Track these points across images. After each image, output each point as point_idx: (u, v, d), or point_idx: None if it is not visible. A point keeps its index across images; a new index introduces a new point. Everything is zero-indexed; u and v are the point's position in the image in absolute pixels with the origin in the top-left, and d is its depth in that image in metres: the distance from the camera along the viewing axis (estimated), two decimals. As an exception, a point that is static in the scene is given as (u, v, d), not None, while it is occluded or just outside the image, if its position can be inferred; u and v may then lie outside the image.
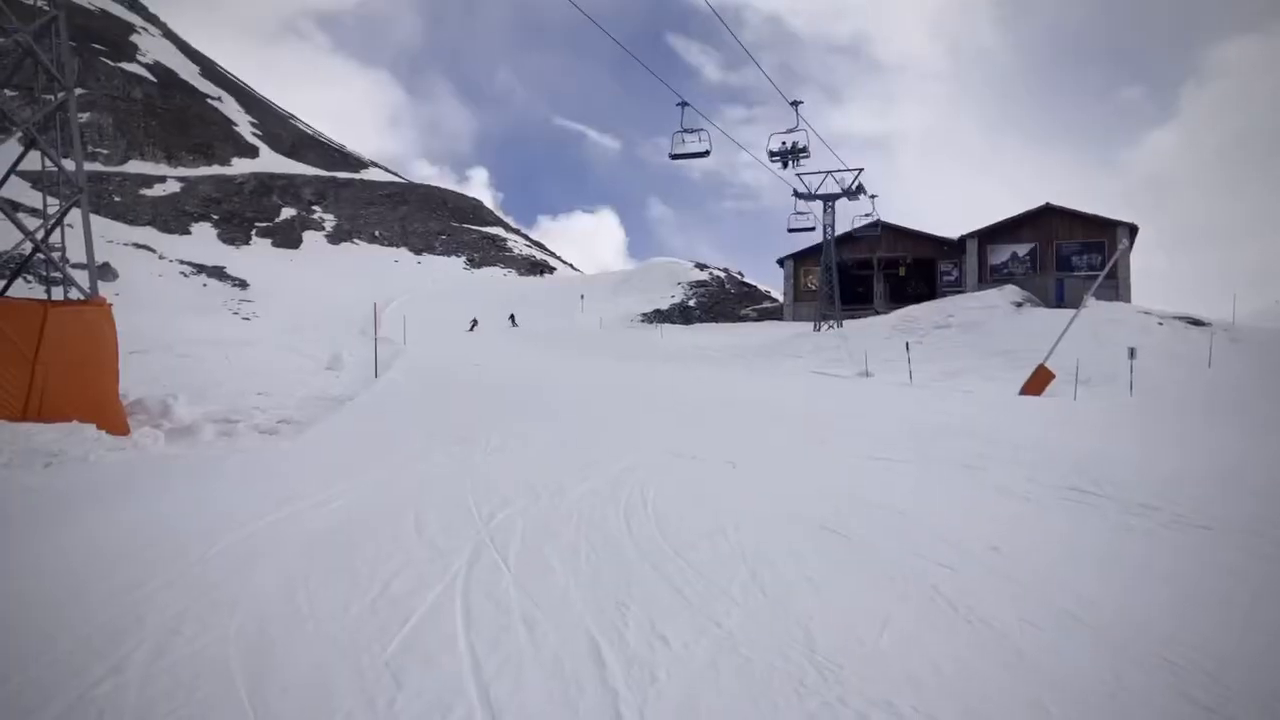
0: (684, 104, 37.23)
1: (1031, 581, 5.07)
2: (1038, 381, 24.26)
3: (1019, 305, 36.59)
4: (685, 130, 38.10)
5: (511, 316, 46.37)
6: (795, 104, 38.64)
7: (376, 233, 77.99)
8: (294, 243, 72.21)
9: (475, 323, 44.03)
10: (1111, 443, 12.38)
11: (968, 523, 6.66)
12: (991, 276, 44.67)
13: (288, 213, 77.11)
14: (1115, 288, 40.36)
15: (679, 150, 39.17)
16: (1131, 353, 24.75)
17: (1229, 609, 4.85)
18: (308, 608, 4.27)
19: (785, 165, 39.54)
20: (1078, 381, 23.77)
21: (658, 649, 3.84)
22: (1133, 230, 43.40)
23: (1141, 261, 55.87)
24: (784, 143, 39.18)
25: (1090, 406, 20.40)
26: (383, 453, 8.90)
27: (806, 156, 38.72)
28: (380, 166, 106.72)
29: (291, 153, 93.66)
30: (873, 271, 49.74)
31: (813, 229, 43.34)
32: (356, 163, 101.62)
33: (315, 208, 79.74)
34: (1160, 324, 32.81)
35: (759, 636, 4.05)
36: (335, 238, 75.50)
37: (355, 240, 75.76)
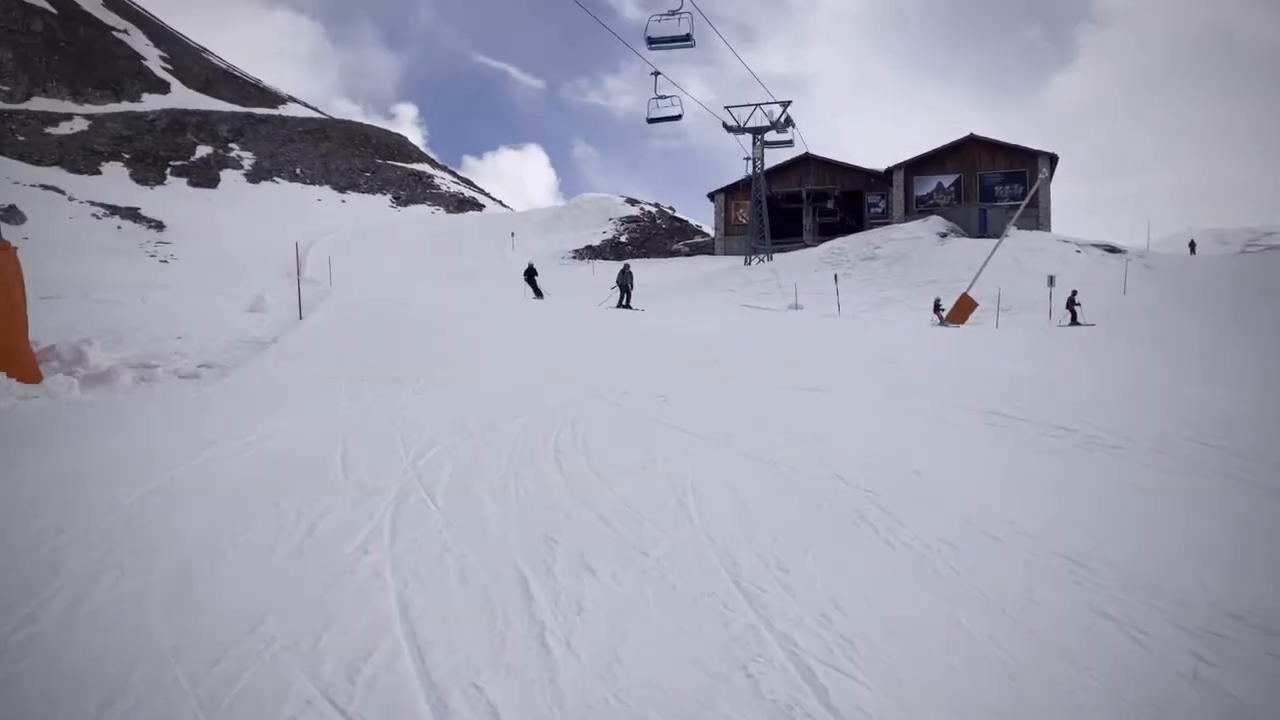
0: (657, 74, 37.59)
1: (951, 503, 5.23)
2: (961, 310, 24.87)
3: (943, 236, 37.24)
4: (659, 96, 38.79)
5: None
6: None
7: (297, 170, 75.68)
8: (211, 182, 69.75)
9: (533, 281, 29.61)
10: (1031, 368, 12.77)
11: (892, 448, 6.82)
12: (917, 208, 45.30)
13: (203, 151, 74.28)
14: (1036, 217, 41.27)
15: (655, 115, 39.88)
16: (1051, 281, 25.51)
17: (1137, 524, 5.07)
18: (231, 551, 4.20)
19: (653, 48, 36.80)
20: (999, 309, 24.37)
21: (585, 581, 3.88)
22: (1053, 160, 44.27)
23: (1060, 191, 57.14)
24: (661, 16, 36.32)
25: (1011, 333, 20.97)
26: (308, 394, 8.75)
27: (690, 45, 37.06)
28: (299, 102, 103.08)
29: (205, 88, 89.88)
30: (802, 204, 49.99)
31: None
32: (274, 98, 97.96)
33: (232, 145, 76.91)
34: (1078, 252, 33.78)
35: (686, 565, 4.11)
36: (254, 176, 73.08)
37: (275, 179, 73.44)
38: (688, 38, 36.03)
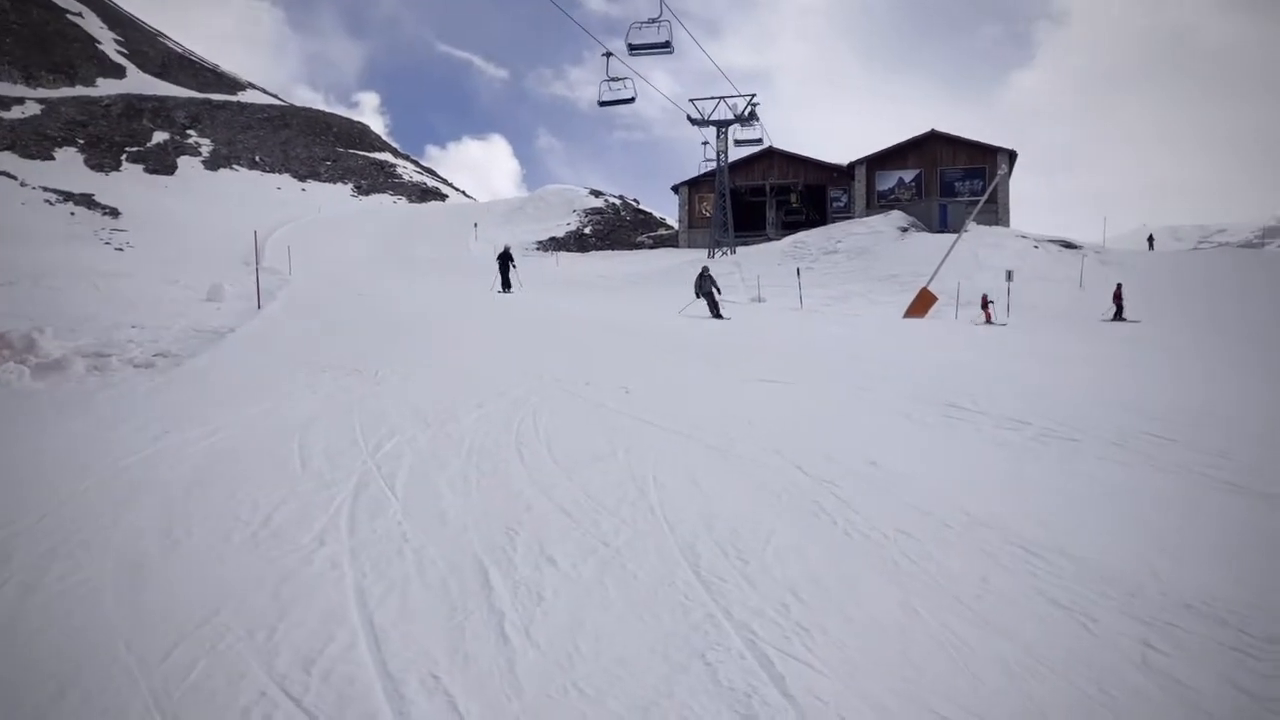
0: (608, 54, 37.21)
1: (908, 493, 5.29)
2: (921, 304, 25.09)
3: (904, 230, 37.57)
4: (611, 79, 38.23)
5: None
6: None
7: (257, 158, 74.51)
8: (168, 168, 68.42)
9: (506, 269, 25.97)
10: (989, 362, 12.94)
11: (851, 440, 6.88)
12: (879, 202, 45.63)
13: (160, 137, 72.83)
14: (995, 212, 41.79)
15: (607, 98, 39.25)
16: (1009, 275, 25.79)
17: (1091, 514, 5.16)
18: (185, 542, 4.15)
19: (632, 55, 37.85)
20: (959, 304, 24.64)
21: (545, 571, 3.88)
22: (1012, 156, 44.85)
23: (1019, 187, 57.92)
24: (641, 24, 37.25)
25: (970, 327, 21.23)
26: (266, 385, 8.63)
27: (669, 52, 37.80)
28: (259, 89, 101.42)
29: (161, 73, 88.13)
30: (765, 198, 50.16)
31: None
32: (233, 84, 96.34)
33: (190, 131, 75.49)
34: (1036, 247, 34.25)
35: (647, 554, 4.12)
36: (212, 163, 71.80)
37: (234, 166, 72.24)
38: (667, 45, 36.98)
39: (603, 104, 39.72)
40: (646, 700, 2.84)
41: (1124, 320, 24.40)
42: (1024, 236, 36.46)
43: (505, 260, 26.31)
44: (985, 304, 24.37)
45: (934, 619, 3.51)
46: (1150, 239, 48.12)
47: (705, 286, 20.67)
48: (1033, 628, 3.47)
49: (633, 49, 37.41)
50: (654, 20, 36.48)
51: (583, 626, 3.35)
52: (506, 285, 25.77)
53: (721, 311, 20.28)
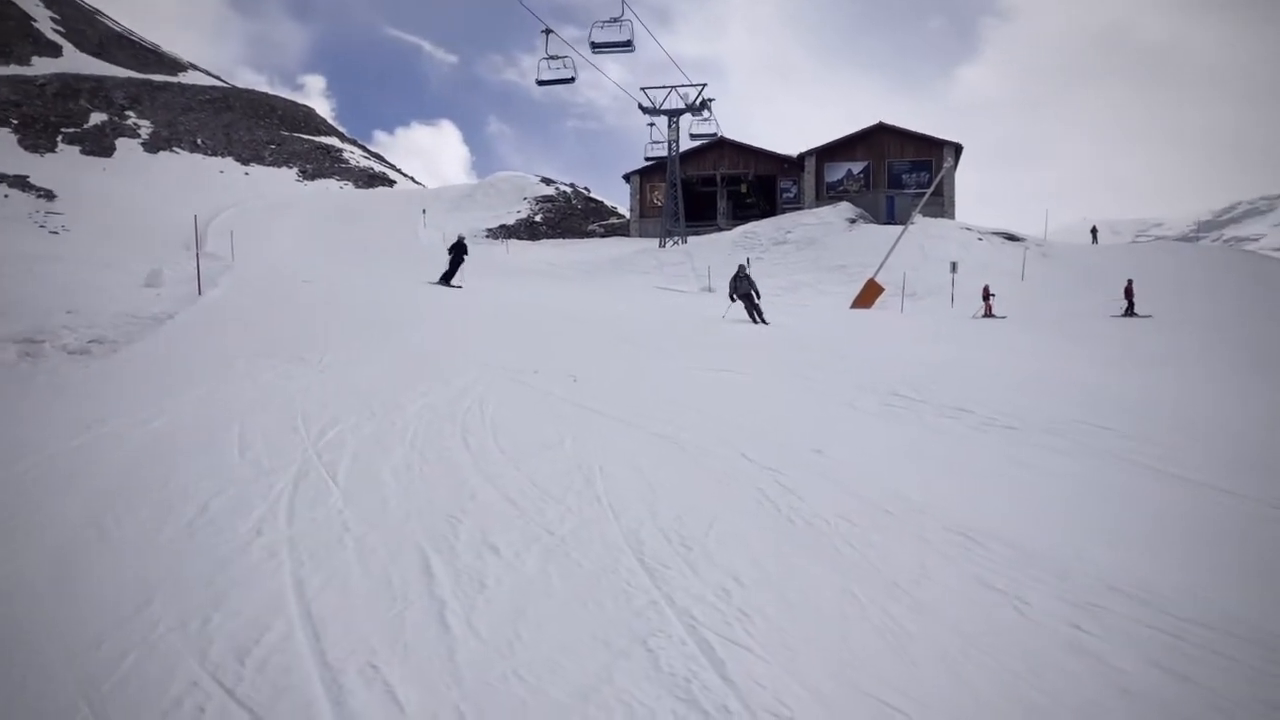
0: (548, 31, 36.71)
1: (850, 480, 5.36)
2: (868, 295, 25.38)
3: (852, 222, 37.97)
4: (550, 57, 37.64)
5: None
6: None
7: (199, 141, 72.75)
8: (106, 150, 66.55)
9: (458, 260, 22.39)
10: (933, 351, 13.13)
11: (795, 428, 6.96)
12: (828, 194, 45.91)
13: (97, 117, 70.77)
14: (941, 205, 42.31)
15: (546, 76, 38.60)
16: (953, 267, 26.16)
17: (1026, 500, 5.28)
18: (116, 532, 4.06)
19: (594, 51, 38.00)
20: (904, 294, 24.94)
21: (488, 559, 3.86)
22: (958, 149, 45.38)
23: (964, 180, 58.64)
24: (603, 23, 37.65)
25: (916, 318, 21.52)
26: (206, 372, 8.46)
27: (630, 50, 38.18)
28: (201, 70, 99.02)
29: (99, 52, 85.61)
30: (716, 188, 50.24)
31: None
32: (174, 65, 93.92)
33: (129, 112, 73.47)
34: (980, 239, 34.81)
35: (591, 542, 4.13)
36: (152, 146, 69.95)
37: (175, 149, 70.45)
38: (628, 43, 37.31)
39: (541, 83, 38.82)
40: (587, 687, 2.84)
41: (1135, 315, 23.58)
42: (968, 229, 37.04)
43: (458, 251, 22.64)
44: (986, 295, 23.84)
45: (872, 604, 3.56)
46: (1094, 231, 48.94)
47: (743, 287, 18.41)
48: (967, 612, 3.54)
49: (595, 47, 37.53)
50: (616, 19, 36.79)
51: (525, 615, 3.34)
52: (446, 278, 21.77)
53: (764, 315, 17.68)
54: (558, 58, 37.75)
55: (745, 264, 19.37)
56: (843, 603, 3.58)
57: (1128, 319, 23.30)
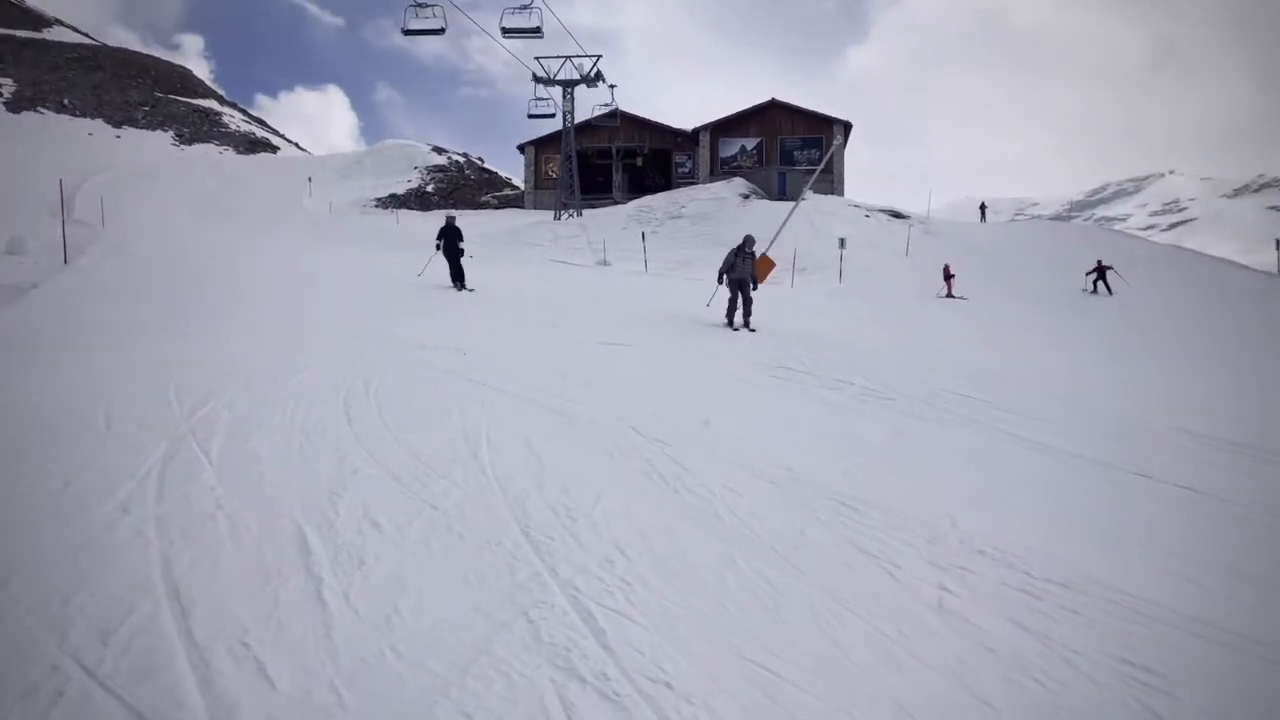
0: None
1: (735, 451, 5.46)
2: (760, 270, 25.73)
3: (745, 197, 38.39)
4: (418, 4, 36.08)
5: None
6: None
7: (65, 101, 68.63)
8: (-39, 109, 62.30)
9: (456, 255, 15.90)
10: (820, 326, 13.45)
11: (685, 402, 7.03)
12: (722, 169, 46.35)
13: (-49, 74, 66.14)
14: (831, 181, 43.19)
15: (412, 25, 37.00)
16: (841, 243, 26.74)
17: (902, 466, 5.48)
18: (-32, 512, 3.83)
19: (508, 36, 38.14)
20: (795, 270, 25.40)
21: (368, 534, 3.79)
22: (847, 127, 46.34)
23: (853, 158, 60.01)
24: (514, 9, 37.63)
25: (805, 293, 21.98)
26: (71, 344, 8.03)
27: (539, 37, 38.27)
28: (68, 25, 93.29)
29: (-48, 3, 79.80)
30: (612, 161, 50.12)
31: (553, 115, 42.72)
32: (38, 20, 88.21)
33: (-13, 69, 68.83)
34: (867, 216, 35.69)
35: (476, 516, 4.10)
36: (15, 105, 65.71)
37: (40, 109, 66.34)
38: (538, 30, 37.39)
39: (407, 32, 36.69)
40: (466, 659, 2.83)
41: (1100, 293, 22.89)
42: (857, 206, 37.92)
43: (452, 237, 16.27)
44: (947, 275, 22.79)
45: (751, 570, 3.65)
46: (983, 208, 50.32)
47: (741, 270, 12.98)
48: (842, 576, 3.66)
49: (506, 32, 37.28)
50: (525, 6, 36.68)
51: (404, 589, 3.30)
52: (457, 277, 16.13)
53: (751, 318, 12.68)
54: (427, 5, 35.95)
55: (750, 238, 13.66)
56: (723, 570, 3.65)
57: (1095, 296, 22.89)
